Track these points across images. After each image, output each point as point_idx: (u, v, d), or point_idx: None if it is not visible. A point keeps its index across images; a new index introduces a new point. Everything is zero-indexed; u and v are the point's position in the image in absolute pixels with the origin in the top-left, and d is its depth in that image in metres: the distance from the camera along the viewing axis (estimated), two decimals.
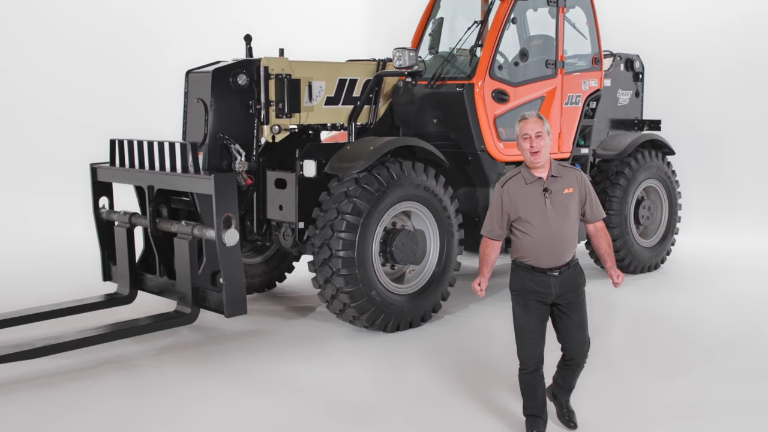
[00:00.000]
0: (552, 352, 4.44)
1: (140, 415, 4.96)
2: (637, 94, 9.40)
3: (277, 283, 8.07)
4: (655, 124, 9.39)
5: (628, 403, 5.04)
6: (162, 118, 9.40)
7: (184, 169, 6.21)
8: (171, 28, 11.64)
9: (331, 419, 4.85)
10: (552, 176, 4.21)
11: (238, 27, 8.67)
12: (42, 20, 10.89)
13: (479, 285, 4.30)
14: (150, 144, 6.48)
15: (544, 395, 4.37)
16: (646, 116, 9.58)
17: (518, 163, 7.35)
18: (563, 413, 4.57)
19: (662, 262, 9.11)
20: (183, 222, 6.21)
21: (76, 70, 11.05)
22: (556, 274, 4.18)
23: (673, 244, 9.23)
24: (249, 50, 7.03)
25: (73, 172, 9.70)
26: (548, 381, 4.51)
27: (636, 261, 8.64)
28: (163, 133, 7.26)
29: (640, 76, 9.40)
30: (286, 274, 8.09)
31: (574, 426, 4.53)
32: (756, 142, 10.89)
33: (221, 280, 5.98)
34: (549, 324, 4.33)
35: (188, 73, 6.83)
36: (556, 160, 4.38)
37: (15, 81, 10.76)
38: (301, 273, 8.01)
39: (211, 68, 6.63)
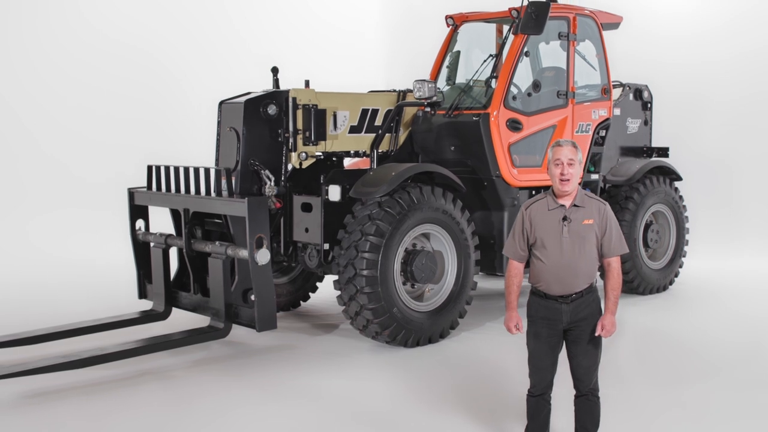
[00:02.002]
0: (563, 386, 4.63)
1: (176, 421, 5.32)
2: (645, 123, 9.71)
3: (301, 302, 8.42)
4: (664, 152, 9.69)
5: (636, 411, 5.37)
6: (193, 146, 9.83)
7: (219, 193, 6.63)
8: (197, 61, 12.19)
9: (354, 427, 5.17)
10: (575, 205, 4.22)
11: (262, 59, 9.19)
12: (82, 54, 11.51)
13: (515, 325, 4.29)
14: (186, 170, 6.88)
15: (547, 419, 4.49)
16: (655, 144, 9.87)
17: (532, 189, 7.81)
18: None
19: (671, 283, 9.42)
20: (217, 242, 6.59)
21: (116, 103, 11.65)
22: (568, 302, 4.22)
23: (681, 267, 9.53)
24: (276, 81, 7.43)
25: (109, 198, 10.29)
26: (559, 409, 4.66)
27: (645, 282, 8.96)
28: (193, 159, 7.63)
29: (649, 105, 9.71)
30: (310, 294, 8.44)
31: None
32: (762, 169, 11.20)
33: (252, 297, 6.34)
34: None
35: (221, 103, 7.22)
36: (585, 189, 4.37)
37: (55, 114, 11.40)
38: (324, 293, 8.40)
39: (243, 99, 7.02)
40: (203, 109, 10.55)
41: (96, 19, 11.58)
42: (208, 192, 6.73)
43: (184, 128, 11.66)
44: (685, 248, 9.58)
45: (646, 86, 9.75)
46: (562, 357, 4.38)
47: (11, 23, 11.16)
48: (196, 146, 9.51)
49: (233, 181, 6.75)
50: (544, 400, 4.42)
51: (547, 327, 4.27)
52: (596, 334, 4.23)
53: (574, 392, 4.43)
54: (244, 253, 6.28)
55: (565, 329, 4.28)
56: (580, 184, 8.12)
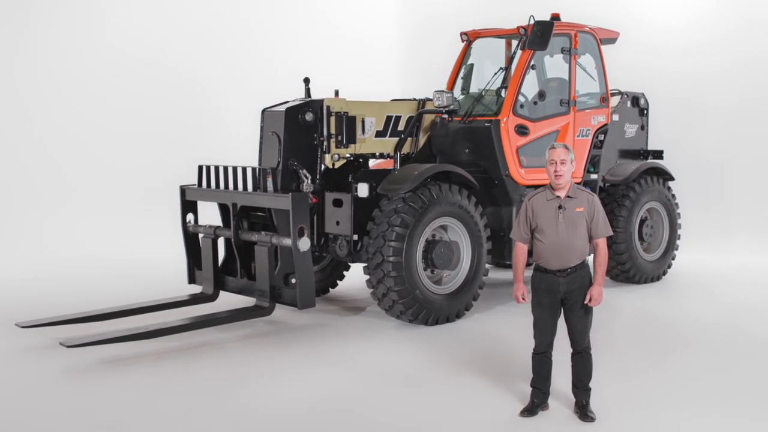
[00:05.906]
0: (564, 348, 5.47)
1: (231, 381, 6.17)
2: (642, 128, 10.47)
3: (330, 289, 9.30)
4: (658, 154, 10.46)
5: (625, 371, 6.25)
6: (227, 154, 10.70)
7: (263, 189, 7.53)
8: (225, 78, 13.11)
9: (389, 386, 6.06)
10: (568, 197, 5.09)
11: (287, 72, 10.19)
12: (110, 76, 12.40)
13: (521, 295, 5.17)
14: (234, 169, 7.77)
15: (549, 373, 5.37)
16: (651, 147, 10.64)
17: (537, 186, 8.64)
18: (580, 413, 5.22)
19: (664, 274, 10.23)
20: (262, 232, 7.50)
21: (169, 111, 12.67)
22: (564, 275, 5.10)
23: (673, 259, 10.34)
24: (307, 91, 8.24)
25: (156, 203, 11.46)
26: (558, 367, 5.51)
27: (640, 272, 9.81)
28: (232, 161, 8.41)
29: (645, 111, 10.48)
30: (338, 281, 9.31)
31: (588, 419, 5.18)
32: (751, 171, 11.95)
33: (293, 280, 7.24)
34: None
35: (264, 110, 8.09)
36: (577, 184, 5.26)
37: (91, 143, 12.35)
38: (350, 281, 9.30)
39: (284, 107, 7.88)
40: (231, 121, 11.64)
41: (128, 45, 12.44)
42: (255, 188, 7.61)
43: (214, 139, 12.50)
44: (678, 242, 10.36)
45: (643, 94, 10.50)
46: (561, 327, 5.26)
47: (49, 57, 12.04)
48: (231, 154, 10.29)
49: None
50: (546, 357, 5.33)
51: (548, 296, 5.18)
52: (585, 302, 5.13)
53: (570, 351, 5.33)
54: (287, 242, 7.17)
55: (562, 298, 5.18)
56: (580, 183, 9.07)
